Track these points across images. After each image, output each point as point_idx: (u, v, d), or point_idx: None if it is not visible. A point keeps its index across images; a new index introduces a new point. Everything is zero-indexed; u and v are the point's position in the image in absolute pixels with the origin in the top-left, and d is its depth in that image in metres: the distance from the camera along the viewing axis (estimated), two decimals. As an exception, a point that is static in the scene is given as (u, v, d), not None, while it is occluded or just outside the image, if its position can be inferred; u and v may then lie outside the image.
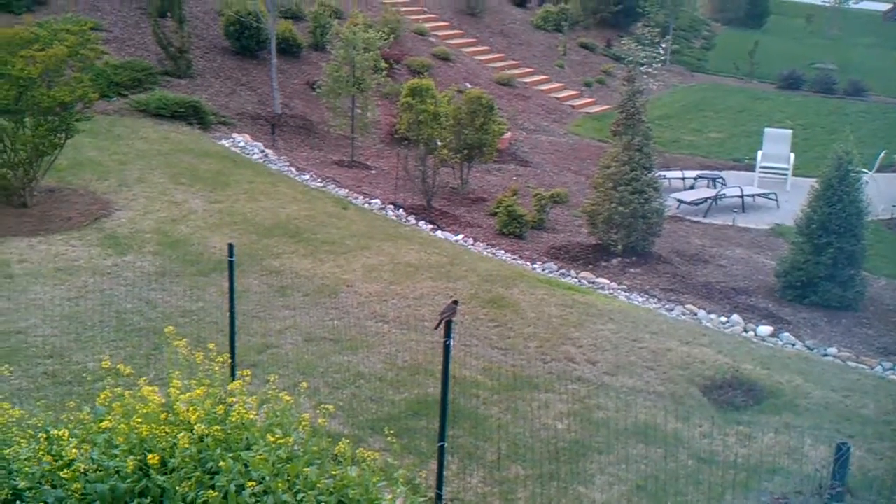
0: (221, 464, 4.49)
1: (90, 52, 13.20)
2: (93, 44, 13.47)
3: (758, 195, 18.24)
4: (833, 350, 11.54)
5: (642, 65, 25.46)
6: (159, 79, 18.67)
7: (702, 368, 10.02)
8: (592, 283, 13.22)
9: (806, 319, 12.58)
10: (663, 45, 26.62)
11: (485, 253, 13.82)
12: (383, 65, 18.47)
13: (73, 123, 12.85)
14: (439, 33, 27.98)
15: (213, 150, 16.22)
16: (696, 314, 12.32)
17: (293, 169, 16.45)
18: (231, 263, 8.05)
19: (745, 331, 11.93)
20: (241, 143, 17.10)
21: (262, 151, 16.96)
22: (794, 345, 11.63)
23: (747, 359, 10.47)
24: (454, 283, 11.71)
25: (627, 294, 12.89)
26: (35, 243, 11.48)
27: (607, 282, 13.25)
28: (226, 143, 16.97)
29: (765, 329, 11.93)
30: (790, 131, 20.80)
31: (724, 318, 12.22)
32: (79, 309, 9.81)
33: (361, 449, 4.77)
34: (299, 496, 4.45)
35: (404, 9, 27.91)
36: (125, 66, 18.24)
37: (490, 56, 28.07)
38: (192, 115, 17.37)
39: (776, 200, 17.93)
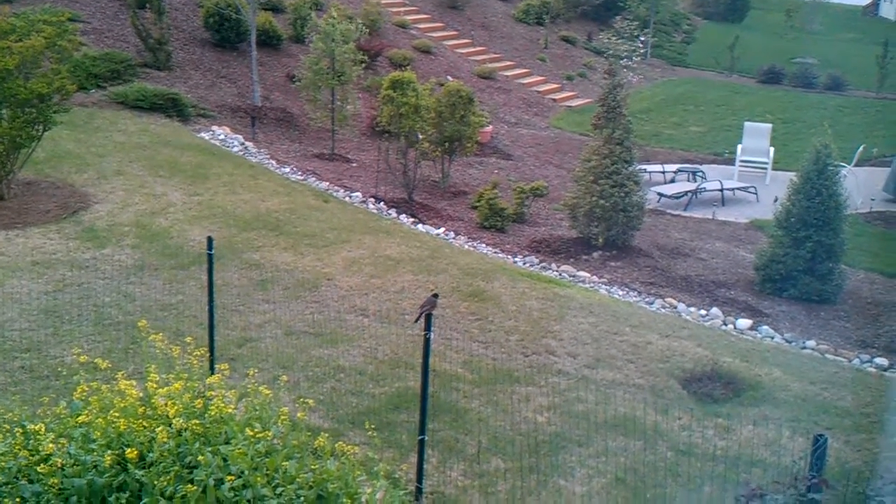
0: (200, 458, 4.47)
1: (68, 44, 13.07)
2: (70, 35, 13.33)
3: (738, 189, 18.33)
4: (812, 343, 11.62)
5: (622, 58, 25.53)
6: (138, 71, 18.53)
7: (681, 361, 10.07)
8: (573, 276, 13.25)
9: (785, 312, 12.66)
10: (642, 39, 26.70)
11: (466, 246, 13.82)
12: (361, 57, 18.40)
13: (50, 115, 12.72)
14: (420, 26, 27.92)
15: (192, 143, 16.12)
16: (675, 307, 12.37)
17: (273, 162, 16.38)
18: (210, 256, 8.01)
19: (725, 324, 11.99)
20: (221, 136, 17.00)
21: (242, 144, 16.87)
22: (773, 338, 11.71)
23: (726, 352, 10.53)
24: (435, 277, 11.70)
25: (608, 287, 12.92)
26: (12, 236, 11.37)
27: (588, 275, 13.28)
28: (205, 135, 16.87)
29: (744, 322, 12.00)
30: (770, 125, 20.91)
31: (703, 312, 12.28)
32: (56, 302, 9.74)
33: (341, 443, 4.77)
34: (278, 490, 4.44)
35: (385, 1, 27.82)
36: (103, 58, 18.08)
37: (471, 49, 28.04)
38: (172, 108, 17.24)
39: (756, 194, 18.02)
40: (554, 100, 26.67)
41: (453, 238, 14.17)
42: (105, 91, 17.30)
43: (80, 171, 13.78)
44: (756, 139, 19.94)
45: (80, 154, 14.43)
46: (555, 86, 27.71)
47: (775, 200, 15.69)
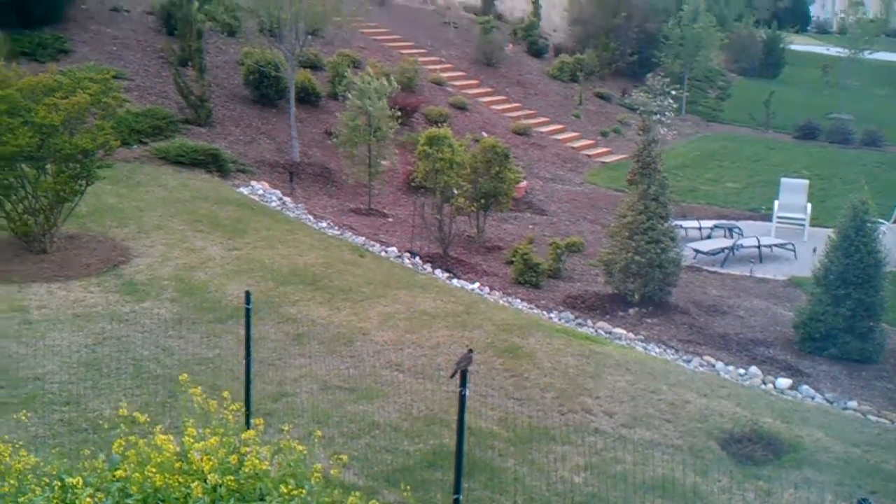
0: (235, 515, 4.46)
1: (112, 100, 13.36)
2: (115, 92, 13.64)
3: (775, 245, 18.17)
4: (853, 403, 11.40)
5: (655, 114, 25.61)
6: (180, 127, 18.90)
7: (720, 421, 9.91)
8: (609, 333, 13.15)
9: (825, 372, 12.45)
10: (673, 93, 26.82)
11: (501, 302, 13.79)
12: (396, 113, 18.62)
13: (94, 170, 12.98)
14: (456, 83, 28.26)
15: (231, 198, 16.34)
16: (713, 366, 12.22)
17: (311, 216, 16.54)
18: (248, 311, 8.06)
19: (764, 383, 11.82)
20: (260, 191, 17.23)
21: (281, 199, 17.08)
22: (813, 398, 11.51)
23: (766, 412, 10.35)
24: (470, 332, 11.68)
25: (644, 344, 12.81)
26: (54, 289, 11.54)
27: (624, 332, 13.18)
28: (244, 190, 17.11)
29: (784, 381, 11.82)
30: (806, 181, 20.79)
31: (742, 370, 12.12)
32: (96, 355, 9.84)
33: (375, 501, 4.74)
34: (313, 549, 4.41)
35: (422, 59, 28.24)
36: (146, 114, 18.48)
37: (506, 105, 28.30)
38: (212, 163, 17.53)
39: (794, 251, 17.85)
40: (588, 155, 26.76)
41: (488, 293, 14.16)
42: (147, 146, 17.64)
43: (122, 225, 14.01)
44: (793, 195, 19.82)
45: (121, 208, 14.68)
46: (589, 142, 27.82)
47: (814, 251, 15.53)
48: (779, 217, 19.42)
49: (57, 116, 12.23)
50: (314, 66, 23.74)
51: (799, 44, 50.11)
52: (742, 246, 17.73)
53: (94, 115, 13.28)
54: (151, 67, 21.23)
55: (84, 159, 12.76)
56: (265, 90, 21.41)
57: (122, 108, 15.38)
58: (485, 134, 23.29)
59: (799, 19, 65.26)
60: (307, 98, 21.98)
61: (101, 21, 22.68)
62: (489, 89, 29.08)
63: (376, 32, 29.55)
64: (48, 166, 12.68)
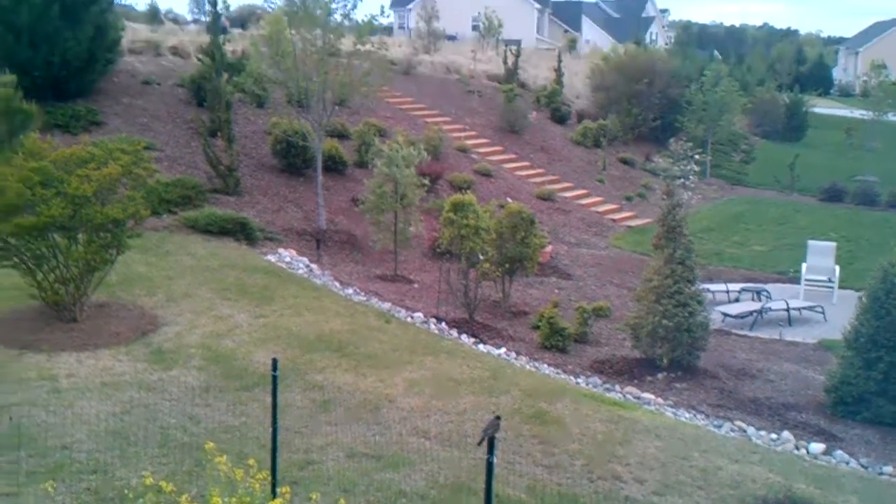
0: (262, 585, 4.42)
1: (143, 171, 13.58)
2: (145, 163, 13.86)
3: (804, 308, 18.02)
4: (889, 468, 11.17)
5: (678, 178, 25.72)
6: (208, 196, 19.19)
7: (753, 487, 9.73)
8: (638, 398, 13.02)
9: (859, 436, 12.23)
10: (696, 157, 26.94)
11: (527, 367, 13.72)
12: (422, 181, 18.81)
13: (124, 240, 13.13)
14: (481, 150, 28.56)
15: (259, 266, 16.49)
16: (745, 431, 12.03)
17: (337, 283, 16.63)
18: (274, 378, 8.07)
19: (797, 448, 11.61)
20: (287, 259, 17.38)
21: (307, 266, 17.20)
22: (847, 462, 11.29)
23: (800, 477, 10.16)
24: (497, 398, 11.60)
25: (674, 410, 12.65)
26: (83, 358, 11.62)
27: (653, 397, 13.04)
28: (272, 258, 17.26)
29: (817, 446, 11.61)
30: (834, 244, 20.70)
31: (774, 435, 11.92)
32: (123, 424, 9.85)
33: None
34: None
35: (447, 127, 28.62)
36: (176, 184, 18.78)
37: (530, 171, 28.52)
38: (240, 232, 17.73)
39: (823, 313, 17.68)
40: (613, 220, 26.82)
41: (515, 358, 14.09)
42: (176, 215, 17.90)
43: (151, 293, 14.15)
44: (821, 258, 19.71)
45: (150, 277, 14.84)
46: (614, 206, 27.90)
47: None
48: (807, 280, 19.28)
49: (89, 187, 12.44)
50: (341, 136, 24.12)
51: (822, 107, 50.37)
52: (770, 309, 17.60)
53: (125, 185, 13.48)
54: (181, 138, 21.65)
55: (115, 229, 12.93)
56: (292, 159, 21.74)
57: (152, 179, 15.63)
58: (509, 200, 23.44)
59: (821, 83, 65.76)
60: (334, 166, 22.28)
61: (133, 94, 23.26)
62: (513, 156, 29.35)
63: (402, 101, 30.06)
64: (79, 236, 12.86)
